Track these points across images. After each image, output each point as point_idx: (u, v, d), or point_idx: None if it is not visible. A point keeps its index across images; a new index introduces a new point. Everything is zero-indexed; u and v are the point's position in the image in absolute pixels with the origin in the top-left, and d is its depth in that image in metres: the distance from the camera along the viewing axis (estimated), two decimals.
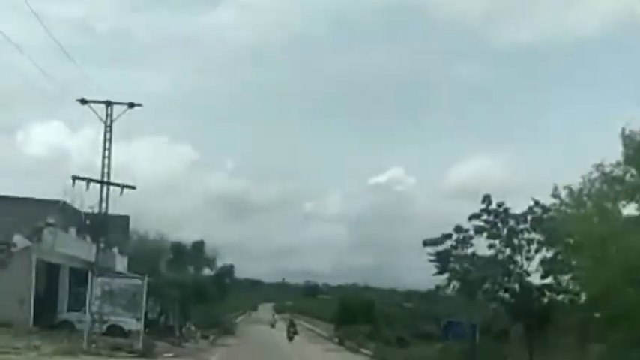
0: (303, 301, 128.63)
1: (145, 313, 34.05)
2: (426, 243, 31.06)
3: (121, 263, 42.80)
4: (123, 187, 30.95)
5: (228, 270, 63.97)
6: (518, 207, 30.32)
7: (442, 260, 30.83)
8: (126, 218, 44.13)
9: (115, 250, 41.79)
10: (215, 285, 56.06)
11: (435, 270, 31.54)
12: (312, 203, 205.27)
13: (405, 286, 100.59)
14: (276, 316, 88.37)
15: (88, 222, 37.98)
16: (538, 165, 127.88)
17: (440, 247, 30.97)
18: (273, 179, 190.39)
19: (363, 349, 46.19)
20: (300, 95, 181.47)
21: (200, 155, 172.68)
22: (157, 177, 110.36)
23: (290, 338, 54.31)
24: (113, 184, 30.92)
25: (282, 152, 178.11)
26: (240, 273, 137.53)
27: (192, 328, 43.83)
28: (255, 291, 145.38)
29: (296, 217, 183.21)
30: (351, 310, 63.86)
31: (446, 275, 31.21)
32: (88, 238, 37.95)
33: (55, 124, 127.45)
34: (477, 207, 30.39)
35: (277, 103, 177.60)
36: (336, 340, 57.46)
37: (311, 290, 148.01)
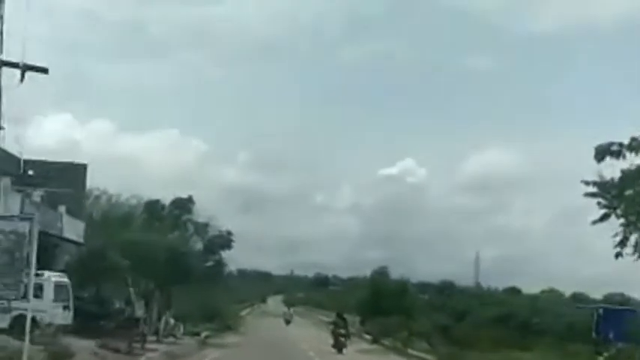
0: (313, 292, 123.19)
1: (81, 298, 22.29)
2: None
3: (72, 228, 30.32)
4: (24, 69, 18.36)
5: (226, 240, 42.50)
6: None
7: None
8: (82, 168, 31.95)
9: (62, 208, 29.43)
10: (208, 263, 41.68)
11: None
12: (322, 195, 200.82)
13: (418, 279, 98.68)
14: (291, 309, 72.52)
15: (30, 172, 29.94)
16: (553, 156, 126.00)
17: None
18: (284, 171, 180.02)
19: (414, 351, 33.47)
20: (311, 86, 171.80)
21: (210, 147, 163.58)
22: (167, 170, 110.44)
23: (339, 349, 33.50)
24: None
25: (294, 144, 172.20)
26: (249, 265, 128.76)
27: (172, 321, 31.01)
28: (264, 283, 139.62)
29: (306, 209, 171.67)
30: (381, 298, 51.46)
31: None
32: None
33: None
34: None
35: (288, 94, 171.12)
36: (368, 337, 44.86)
37: (321, 282, 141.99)
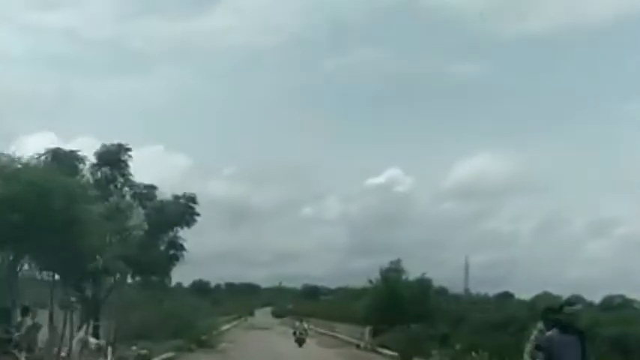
0: (303, 303, 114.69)
1: None
2: None
3: None
4: None
5: (182, 211, 27.67)
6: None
7: None
8: None
9: None
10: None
11: None
12: (310, 207, 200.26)
13: None
14: (305, 323, 51.63)
15: None
16: (542, 162, 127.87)
17: None
18: (270, 184, 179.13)
19: None
20: (296, 98, 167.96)
21: (196, 162, 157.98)
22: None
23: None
24: None
25: (280, 156, 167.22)
26: (237, 279, 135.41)
27: (92, 341, 19.11)
28: (252, 296, 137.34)
29: (294, 221, 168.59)
30: (398, 303, 40.67)
31: None
32: None
33: None
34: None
35: (273, 106, 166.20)
36: (389, 352, 33.87)
37: (311, 292, 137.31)
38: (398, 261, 46.25)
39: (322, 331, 63.14)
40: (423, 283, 43.50)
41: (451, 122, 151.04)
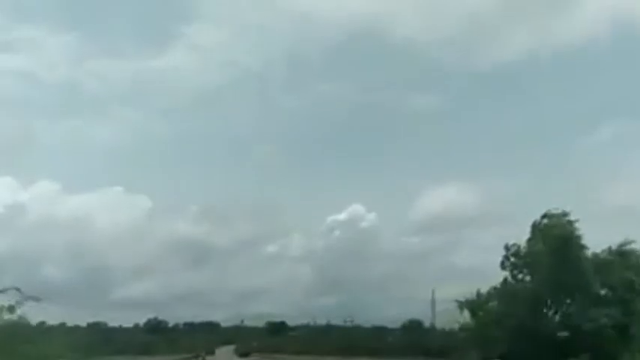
0: (269, 340, 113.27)
1: None
2: None
3: None
4: None
5: None
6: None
7: None
8: None
9: None
10: None
11: None
12: (272, 245, 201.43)
13: (372, 323, 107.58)
14: None
15: None
16: (503, 195, 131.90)
17: None
18: (231, 223, 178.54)
19: None
20: (254, 135, 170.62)
21: (156, 203, 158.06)
22: (113, 228, 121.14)
23: None
24: None
25: (240, 195, 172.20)
26: (197, 318, 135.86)
27: None
28: (211, 334, 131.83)
29: (256, 259, 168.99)
30: None
31: None
32: None
33: None
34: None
35: (232, 144, 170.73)
36: None
37: (277, 329, 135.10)
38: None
39: None
40: None
41: (412, 156, 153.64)
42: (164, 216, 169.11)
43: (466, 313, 43.60)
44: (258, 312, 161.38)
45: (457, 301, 44.03)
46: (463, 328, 44.96)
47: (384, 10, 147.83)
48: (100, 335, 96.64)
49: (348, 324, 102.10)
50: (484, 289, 43.03)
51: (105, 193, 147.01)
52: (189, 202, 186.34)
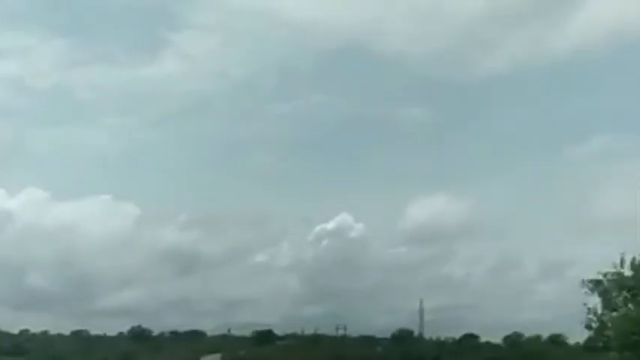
0: (256, 349, 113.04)
1: None
2: None
3: None
4: None
5: None
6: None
7: None
8: None
9: None
10: None
11: None
12: (260, 254, 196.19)
13: (360, 332, 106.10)
14: None
15: None
16: (492, 206, 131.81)
17: None
18: (220, 232, 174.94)
19: None
20: (244, 144, 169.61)
21: (144, 211, 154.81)
22: (102, 237, 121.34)
23: None
24: None
25: (229, 203, 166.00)
26: (183, 327, 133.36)
27: None
28: (197, 343, 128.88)
29: (244, 268, 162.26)
30: None
31: None
32: None
33: None
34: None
35: (221, 153, 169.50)
36: None
37: (264, 338, 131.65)
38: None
39: None
40: None
41: (401, 166, 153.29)
42: (152, 224, 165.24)
43: (598, 302, 27.28)
44: (245, 321, 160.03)
45: (586, 281, 27.49)
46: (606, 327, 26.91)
47: (374, 22, 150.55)
48: (82, 343, 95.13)
49: (340, 333, 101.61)
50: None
51: (93, 201, 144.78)
52: (178, 211, 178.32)
